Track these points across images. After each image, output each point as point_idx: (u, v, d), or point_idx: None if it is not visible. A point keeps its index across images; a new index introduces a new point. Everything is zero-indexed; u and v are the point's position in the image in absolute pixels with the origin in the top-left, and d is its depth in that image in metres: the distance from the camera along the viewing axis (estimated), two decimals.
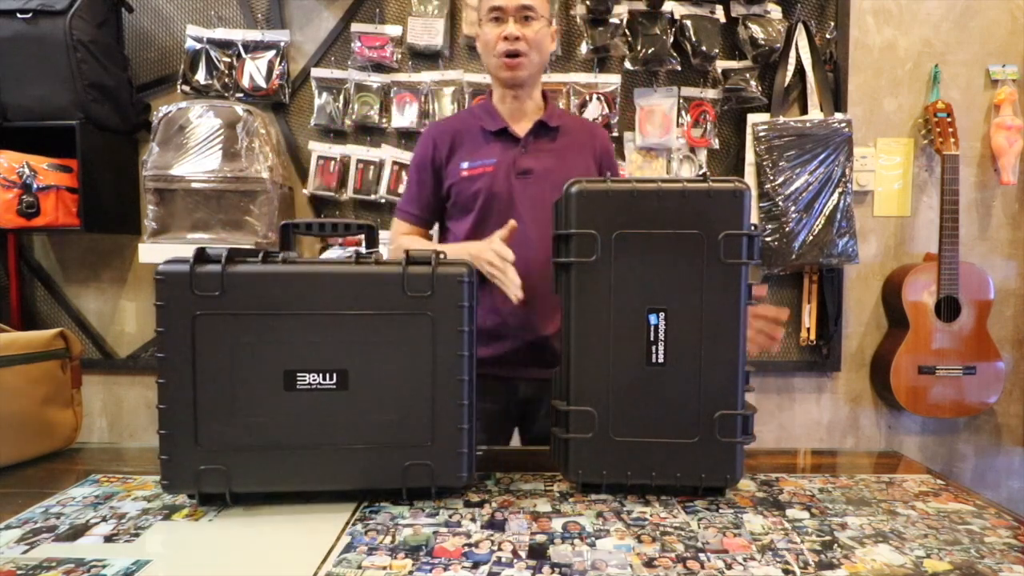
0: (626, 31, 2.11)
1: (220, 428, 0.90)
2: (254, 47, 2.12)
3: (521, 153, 1.40)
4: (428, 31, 2.10)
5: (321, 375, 0.91)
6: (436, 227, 1.54)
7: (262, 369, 0.90)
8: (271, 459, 0.91)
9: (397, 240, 1.49)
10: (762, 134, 2.11)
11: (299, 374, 0.91)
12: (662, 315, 0.96)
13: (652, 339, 0.96)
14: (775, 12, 2.13)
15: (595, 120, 2.11)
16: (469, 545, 0.82)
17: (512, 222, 1.25)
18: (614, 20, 2.09)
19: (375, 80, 2.12)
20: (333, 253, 2.12)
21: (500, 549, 0.81)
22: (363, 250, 0.98)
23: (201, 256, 0.90)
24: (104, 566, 0.77)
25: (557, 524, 0.89)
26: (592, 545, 0.83)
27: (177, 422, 0.90)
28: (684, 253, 0.95)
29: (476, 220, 1.40)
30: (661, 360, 0.96)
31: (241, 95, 2.11)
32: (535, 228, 1.37)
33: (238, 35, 2.12)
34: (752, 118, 2.14)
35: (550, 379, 1.41)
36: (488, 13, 1.36)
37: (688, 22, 2.08)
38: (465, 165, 1.41)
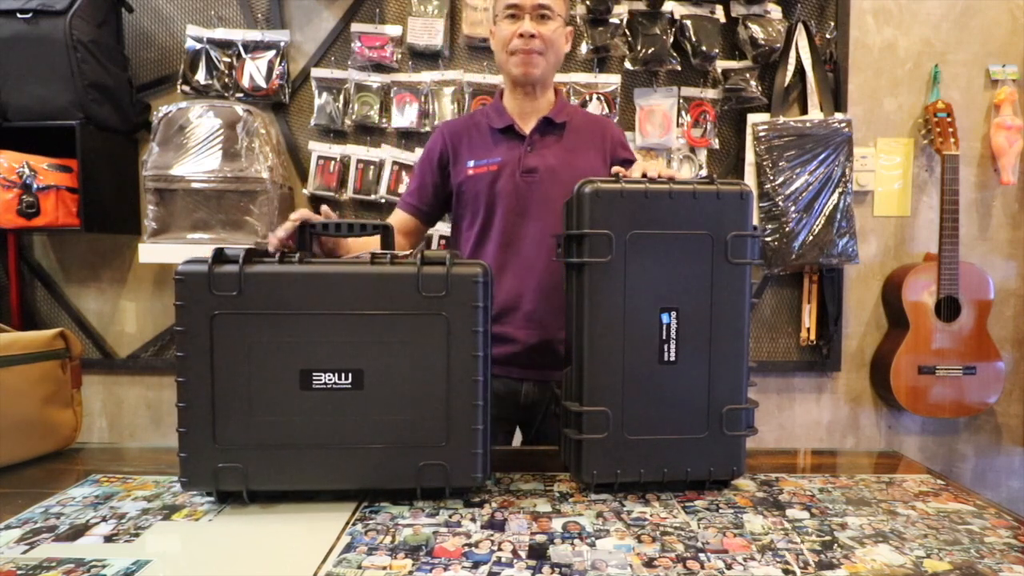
0: (626, 31, 2.12)
1: (237, 426, 0.91)
2: (254, 47, 2.12)
3: (527, 152, 1.38)
4: (428, 31, 2.10)
5: (336, 375, 0.92)
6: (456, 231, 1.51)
7: (278, 368, 0.91)
8: (287, 458, 0.92)
9: None
10: (762, 134, 2.11)
11: (315, 374, 0.92)
12: (674, 314, 0.98)
13: (664, 338, 0.98)
14: (775, 12, 2.13)
15: None
16: (469, 545, 0.82)
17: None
18: (614, 20, 2.09)
19: (375, 80, 2.12)
20: None
21: (500, 549, 0.81)
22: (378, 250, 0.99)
23: (219, 256, 0.91)
24: (104, 566, 0.77)
25: (557, 524, 0.89)
26: (592, 545, 0.83)
27: (196, 420, 0.91)
28: (694, 253, 0.97)
29: (483, 220, 1.39)
30: (672, 358, 0.98)
31: (241, 95, 2.11)
32: (540, 228, 1.35)
33: (238, 35, 2.11)
34: (752, 118, 2.14)
35: (549, 381, 1.42)
36: (504, 10, 1.34)
37: (688, 22, 2.08)
38: (471, 163, 1.40)
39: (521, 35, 1.32)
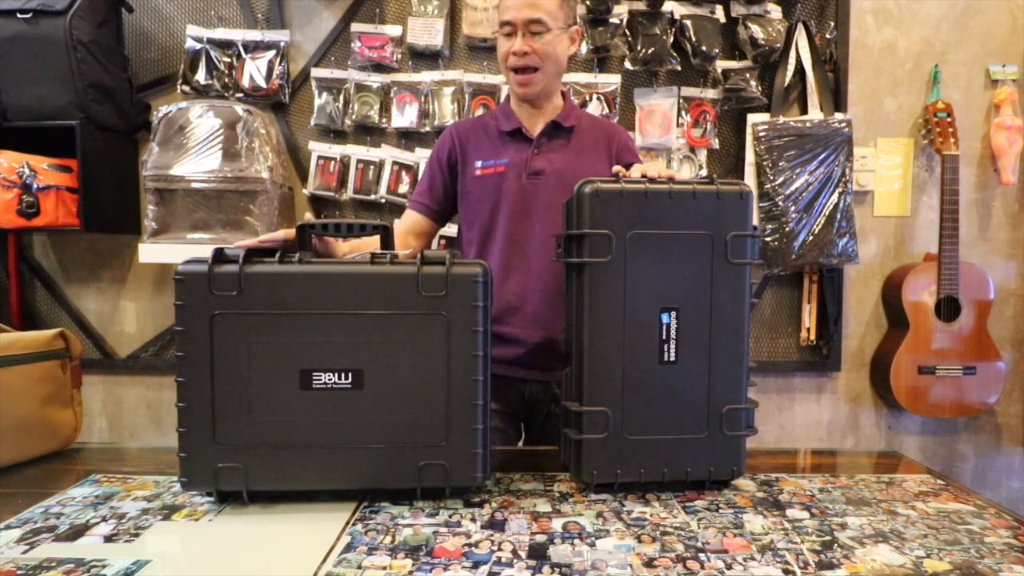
0: (626, 31, 2.12)
1: (237, 426, 0.91)
2: (254, 47, 2.12)
3: (533, 154, 1.38)
4: (428, 31, 2.10)
5: (337, 374, 0.92)
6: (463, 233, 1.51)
7: (279, 368, 0.91)
8: (287, 458, 0.92)
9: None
10: (762, 134, 2.11)
11: (315, 373, 0.92)
12: (674, 314, 0.98)
13: (664, 338, 0.98)
14: (775, 12, 2.13)
15: None
16: (469, 545, 0.82)
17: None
18: (614, 20, 2.09)
19: (375, 80, 2.12)
20: None
21: (500, 549, 0.81)
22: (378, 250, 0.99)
23: (219, 256, 0.91)
24: (104, 566, 0.77)
25: (557, 524, 0.89)
26: (592, 545, 0.83)
27: (196, 420, 0.91)
28: (694, 253, 0.97)
29: (489, 221, 1.39)
30: (672, 358, 0.98)
31: (241, 95, 2.11)
32: (545, 230, 1.36)
33: (238, 35, 2.11)
34: (752, 118, 2.14)
35: (551, 381, 1.42)
36: (500, 27, 1.35)
37: (688, 22, 2.08)
38: (478, 164, 1.41)
39: (515, 53, 1.32)
